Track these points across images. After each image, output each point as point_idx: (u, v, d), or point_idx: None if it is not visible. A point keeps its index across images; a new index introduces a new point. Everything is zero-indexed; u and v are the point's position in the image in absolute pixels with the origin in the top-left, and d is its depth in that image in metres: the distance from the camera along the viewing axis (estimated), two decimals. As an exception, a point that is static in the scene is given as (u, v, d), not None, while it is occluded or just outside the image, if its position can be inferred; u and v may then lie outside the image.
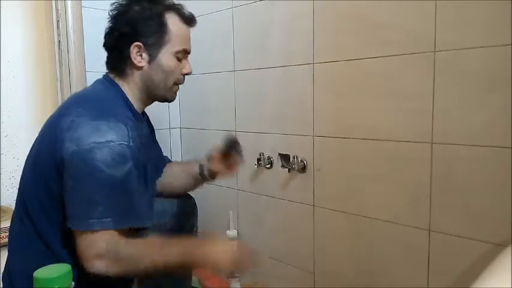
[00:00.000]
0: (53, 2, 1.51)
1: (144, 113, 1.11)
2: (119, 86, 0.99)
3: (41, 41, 1.77)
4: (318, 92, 1.35)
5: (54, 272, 0.65)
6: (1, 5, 1.71)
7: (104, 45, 1.02)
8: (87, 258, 0.81)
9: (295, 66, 1.40)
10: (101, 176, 0.80)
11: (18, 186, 0.99)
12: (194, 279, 1.50)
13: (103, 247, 0.80)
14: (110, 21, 1.01)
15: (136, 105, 1.01)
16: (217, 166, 1.19)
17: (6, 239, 1.78)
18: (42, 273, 0.65)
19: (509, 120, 0.96)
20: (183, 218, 1.24)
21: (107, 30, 1.01)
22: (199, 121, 1.82)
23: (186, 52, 1.06)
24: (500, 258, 0.72)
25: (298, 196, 1.45)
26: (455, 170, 1.06)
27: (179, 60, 1.03)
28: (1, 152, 1.85)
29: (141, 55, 0.98)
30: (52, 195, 0.87)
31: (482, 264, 0.70)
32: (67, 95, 1.52)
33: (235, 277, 1.23)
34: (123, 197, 0.83)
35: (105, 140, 0.81)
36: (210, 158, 1.20)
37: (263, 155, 1.52)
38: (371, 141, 1.23)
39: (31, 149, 0.98)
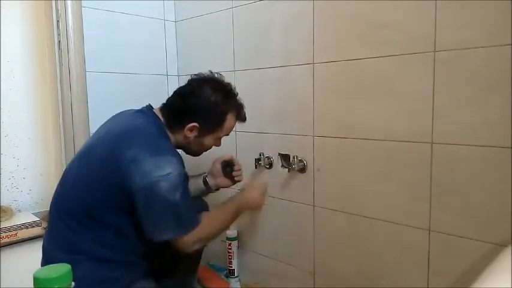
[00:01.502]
0: (53, 2, 1.51)
1: None
2: (165, 129, 1.18)
3: (41, 41, 1.77)
4: (318, 92, 1.35)
5: (54, 272, 0.65)
6: (1, 5, 1.71)
7: (171, 100, 1.21)
8: (186, 250, 1.11)
9: (295, 66, 1.40)
10: (167, 203, 1.04)
11: (59, 190, 1.15)
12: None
13: (189, 243, 1.10)
14: (186, 86, 1.20)
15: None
16: (220, 181, 1.39)
17: (7, 239, 1.78)
18: (42, 273, 0.65)
19: (509, 120, 0.96)
20: None
21: (181, 92, 1.20)
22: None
23: (225, 135, 1.26)
24: (500, 258, 0.72)
25: (298, 196, 1.45)
26: (455, 170, 1.06)
27: (217, 139, 1.24)
28: (1, 152, 1.85)
29: (191, 131, 1.17)
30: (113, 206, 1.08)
31: (482, 264, 0.70)
32: (67, 95, 1.52)
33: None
34: (182, 213, 1.08)
35: (165, 173, 1.03)
36: (212, 173, 1.39)
37: (263, 155, 1.52)
38: (371, 141, 1.23)
39: (81, 155, 1.16)
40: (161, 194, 1.02)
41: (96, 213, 1.07)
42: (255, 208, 1.34)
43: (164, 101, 1.22)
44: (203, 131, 1.18)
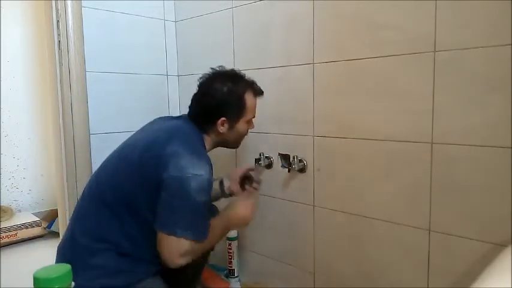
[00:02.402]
0: (53, 2, 1.50)
1: None
2: (200, 134, 1.24)
3: (41, 41, 1.77)
4: (318, 92, 1.35)
5: (54, 272, 0.65)
6: (1, 5, 1.71)
7: (192, 107, 1.26)
8: (172, 256, 1.08)
9: (295, 66, 1.41)
10: (190, 199, 1.07)
11: (96, 179, 1.21)
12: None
13: (185, 249, 1.08)
14: (199, 91, 1.26)
15: (207, 148, 1.27)
16: (236, 187, 1.40)
17: (7, 239, 1.78)
18: (42, 273, 0.65)
19: (509, 120, 0.96)
20: None
21: (197, 99, 1.26)
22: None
23: (253, 117, 1.30)
24: (500, 258, 0.72)
25: (298, 196, 1.45)
26: (455, 170, 1.06)
27: (248, 123, 1.29)
28: (1, 152, 1.86)
29: (223, 125, 1.23)
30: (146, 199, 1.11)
31: (482, 264, 0.70)
32: (67, 95, 1.52)
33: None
34: (200, 217, 1.11)
35: (198, 173, 1.07)
36: (230, 178, 1.42)
37: (263, 155, 1.52)
38: (371, 141, 1.23)
39: (122, 148, 1.22)
40: (188, 191, 1.06)
41: (130, 204, 1.12)
42: (242, 226, 1.37)
43: (186, 113, 1.29)
44: (232, 120, 1.23)
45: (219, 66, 1.30)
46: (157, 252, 1.11)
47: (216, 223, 1.18)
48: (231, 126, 1.24)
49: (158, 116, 1.36)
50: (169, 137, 1.15)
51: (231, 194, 1.42)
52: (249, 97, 1.25)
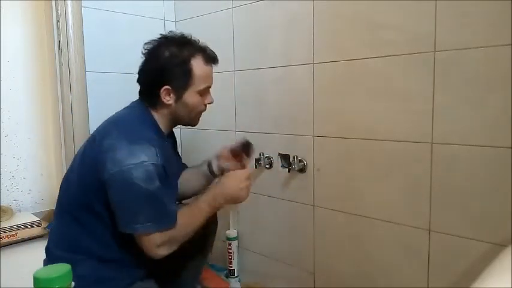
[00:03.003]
0: (53, 2, 1.51)
1: (171, 132, 1.25)
2: (150, 113, 1.14)
3: (41, 41, 1.77)
4: (318, 92, 1.35)
5: (54, 272, 0.65)
6: (1, 5, 1.71)
7: (138, 80, 1.16)
8: (149, 251, 1.01)
9: (295, 66, 1.41)
10: (139, 190, 0.97)
11: (60, 190, 1.15)
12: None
13: (158, 241, 1.00)
14: (143, 60, 1.16)
15: (163, 128, 1.16)
16: (225, 163, 1.28)
17: (7, 239, 1.78)
18: (42, 273, 0.65)
19: (509, 120, 0.96)
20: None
21: (140, 68, 1.16)
22: (199, 121, 1.81)
23: (208, 88, 1.18)
24: (500, 258, 0.72)
25: (298, 196, 1.45)
26: (455, 170, 1.06)
27: (202, 95, 1.16)
28: (1, 152, 1.85)
29: (169, 95, 1.11)
30: (95, 207, 1.04)
31: (482, 264, 0.70)
32: (67, 95, 1.52)
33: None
34: (157, 206, 1.01)
35: (139, 161, 0.97)
36: (219, 156, 1.30)
37: (263, 155, 1.52)
38: (371, 141, 1.23)
39: (74, 158, 1.14)
40: (133, 183, 0.96)
41: (91, 210, 1.04)
42: (237, 201, 1.16)
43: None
44: (178, 90, 1.11)
45: (170, 31, 1.19)
46: (139, 254, 1.04)
47: (196, 204, 1.09)
48: (178, 97, 1.11)
49: None
50: (106, 131, 1.06)
51: (222, 173, 1.27)
52: (197, 63, 1.11)
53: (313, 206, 1.41)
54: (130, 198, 0.99)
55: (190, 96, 1.13)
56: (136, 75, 1.18)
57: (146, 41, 1.16)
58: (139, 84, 1.16)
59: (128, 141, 1.00)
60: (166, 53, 1.10)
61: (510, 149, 0.97)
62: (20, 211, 2.01)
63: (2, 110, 1.82)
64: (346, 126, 1.28)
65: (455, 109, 1.05)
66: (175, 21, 1.85)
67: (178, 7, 1.84)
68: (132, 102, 1.18)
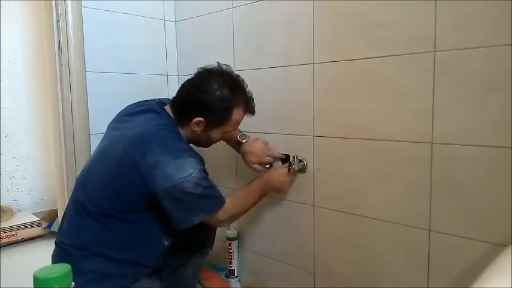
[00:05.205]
0: (53, 2, 1.50)
1: None
2: (176, 126, 1.21)
3: (41, 41, 1.77)
4: (318, 92, 1.35)
5: (54, 272, 0.65)
6: (1, 5, 1.71)
7: (178, 96, 1.23)
8: (218, 225, 1.29)
9: (295, 66, 1.40)
10: (192, 196, 1.10)
11: (78, 187, 1.20)
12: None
13: (221, 219, 1.19)
14: (194, 79, 1.21)
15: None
16: (257, 164, 1.42)
17: (7, 239, 1.78)
18: (42, 273, 0.65)
19: (509, 120, 0.96)
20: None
21: (187, 84, 1.21)
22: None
23: (234, 130, 1.30)
24: (500, 258, 0.72)
25: (298, 196, 1.45)
26: (455, 170, 1.06)
27: (225, 133, 1.27)
28: (1, 152, 1.86)
29: (198, 125, 1.19)
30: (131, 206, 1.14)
31: (482, 264, 0.70)
32: (67, 95, 1.52)
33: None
34: (207, 200, 1.15)
35: (188, 173, 1.08)
36: (253, 142, 1.43)
37: (263, 155, 1.52)
38: (371, 141, 1.23)
39: (94, 159, 1.22)
40: (185, 192, 1.08)
41: (115, 210, 1.12)
42: (279, 192, 1.42)
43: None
44: (209, 126, 1.20)
45: (227, 65, 1.25)
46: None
47: (250, 187, 1.30)
48: (206, 130, 1.20)
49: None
50: (145, 144, 1.11)
51: (239, 152, 1.44)
52: (237, 112, 1.20)
53: (313, 206, 1.41)
54: (185, 203, 1.11)
55: (216, 133, 1.24)
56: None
57: (202, 66, 1.23)
58: (178, 99, 1.22)
59: (174, 156, 1.09)
60: (218, 93, 1.16)
61: (510, 149, 0.97)
62: (20, 211, 2.01)
63: (2, 110, 1.82)
64: (346, 126, 1.28)
65: (455, 109, 1.05)
66: (175, 21, 1.85)
67: (178, 7, 1.84)
68: (155, 107, 1.23)
